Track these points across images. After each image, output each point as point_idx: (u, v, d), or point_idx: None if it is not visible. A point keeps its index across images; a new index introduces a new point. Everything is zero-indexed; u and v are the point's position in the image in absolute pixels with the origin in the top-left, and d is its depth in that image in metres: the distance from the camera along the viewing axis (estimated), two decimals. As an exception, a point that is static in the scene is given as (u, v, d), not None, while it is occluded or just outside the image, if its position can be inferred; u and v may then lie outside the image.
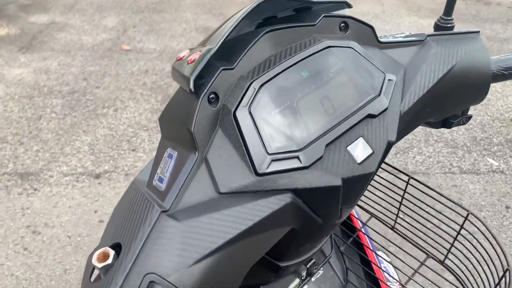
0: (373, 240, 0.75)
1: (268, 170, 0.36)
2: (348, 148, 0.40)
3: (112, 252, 0.32)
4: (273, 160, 0.36)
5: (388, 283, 0.68)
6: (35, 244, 1.60)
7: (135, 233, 0.32)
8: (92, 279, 0.33)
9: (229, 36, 0.38)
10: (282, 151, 0.37)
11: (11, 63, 2.61)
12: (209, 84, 0.37)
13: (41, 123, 2.16)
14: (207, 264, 0.32)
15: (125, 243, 0.32)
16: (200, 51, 0.37)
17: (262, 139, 0.37)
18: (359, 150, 0.40)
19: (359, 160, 0.40)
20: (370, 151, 0.40)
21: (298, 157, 0.37)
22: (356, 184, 0.40)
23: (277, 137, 0.37)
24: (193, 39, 3.02)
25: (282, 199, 0.36)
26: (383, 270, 0.70)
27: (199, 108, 0.36)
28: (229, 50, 0.40)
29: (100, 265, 0.31)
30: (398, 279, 0.71)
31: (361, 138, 0.41)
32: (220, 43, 0.37)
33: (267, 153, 0.36)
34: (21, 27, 3.03)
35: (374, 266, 0.69)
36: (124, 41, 2.92)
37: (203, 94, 0.36)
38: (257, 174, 0.36)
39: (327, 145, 0.39)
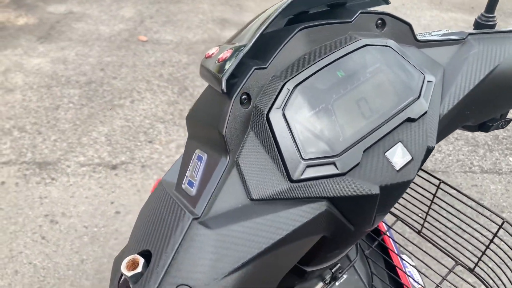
0: (398, 244, 0.73)
1: (303, 177, 0.34)
2: (386, 154, 0.38)
3: (141, 260, 0.30)
4: (308, 166, 0.35)
5: (413, 289, 0.66)
6: (53, 233, 1.61)
7: (166, 240, 0.31)
8: (119, 287, 0.32)
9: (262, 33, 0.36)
10: (318, 156, 0.35)
11: (30, 53, 2.63)
12: (242, 84, 0.35)
13: (58, 113, 2.18)
14: (240, 276, 0.31)
15: (155, 251, 0.31)
16: (231, 48, 0.36)
17: (296, 143, 0.35)
18: (398, 156, 0.38)
19: (397, 167, 0.38)
20: (409, 157, 0.38)
21: (334, 163, 0.35)
22: (394, 192, 0.39)
23: (312, 141, 0.35)
24: (209, 31, 3.00)
25: (316, 208, 0.35)
26: (408, 275, 0.68)
27: (231, 110, 0.35)
28: (261, 48, 0.38)
29: (129, 273, 0.30)
30: (423, 284, 0.69)
31: (399, 143, 0.39)
32: (254, 40, 0.35)
33: (302, 158, 0.35)
34: (40, 16, 3.04)
35: (399, 270, 0.68)
36: (141, 32, 2.92)
37: (235, 94, 0.35)
38: (291, 180, 0.34)
39: (364, 151, 0.37)
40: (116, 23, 3.01)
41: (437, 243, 0.65)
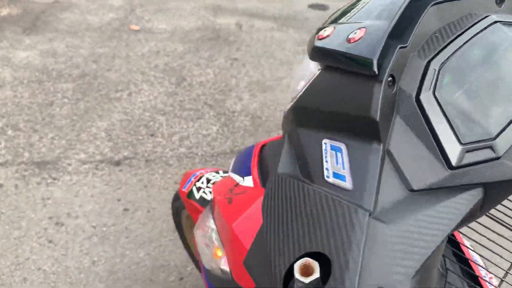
0: (461, 233, 0.69)
1: (462, 163, 0.32)
2: None
3: (316, 264, 0.28)
4: (467, 151, 0.32)
5: (485, 279, 0.63)
6: (60, 236, 1.53)
7: (344, 241, 0.28)
8: None
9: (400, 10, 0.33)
10: (475, 140, 0.33)
11: (16, 45, 2.50)
12: (389, 65, 0.31)
13: (53, 109, 2.08)
14: (422, 273, 0.29)
15: (335, 253, 0.28)
16: (364, 27, 0.33)
17: (452, 127, 0.32)
18: None
19: None
20: None
21: (491, 147, 0.33)
22: None
23: (467, 124, 0.33)
24: (203, 18, 2.91)
25: (476, 195, 0.32)
26: (480, 266, 0.64)
27: (383, 94, 0.31)
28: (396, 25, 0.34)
29: (307, 279, 0.27)
30: (492, 274, 0.65)
31: None
32: (396, 18, 0.32)
33: (460, 143, 0.32)
34: (23, 6, 2.89)
35: (471, 263, 0.64)
36: (132, 21, 2.81)
37: (385, 76, 0.31)
38: (450, 167, 0.32)
39: None
40: (105, 12, 2.89)
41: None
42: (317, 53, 0.35)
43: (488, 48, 0.36)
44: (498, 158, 0.33)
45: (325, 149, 0.34)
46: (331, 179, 0.32)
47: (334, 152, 0.33)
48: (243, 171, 0.60)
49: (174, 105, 2.18)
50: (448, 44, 0.35)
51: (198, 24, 2.84)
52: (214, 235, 0.56)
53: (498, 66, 0.35)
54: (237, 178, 0.61)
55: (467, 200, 0.32)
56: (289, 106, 0.40)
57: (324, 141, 0.34)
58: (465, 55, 0.35)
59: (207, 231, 0.60)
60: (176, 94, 2.26)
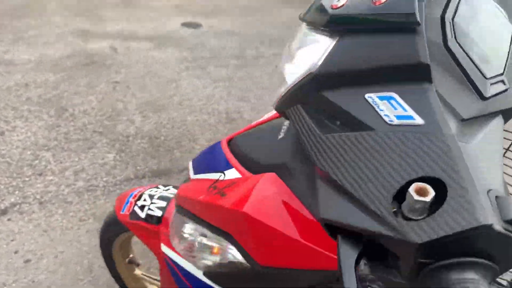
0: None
1: (489, 94, 0.38)
2: None
3: (428, 186, 0.31)
4: (491, 84, 0.38)
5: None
6: None
7: (449, 162, 0.32)
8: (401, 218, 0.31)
9: None
10: (494, 75, 0.39)
11: None
12: (424, 18, 0.37)
13: None
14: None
15: (445, 174, 0.31)
16: None
17: (476, 66, 0.38)
18: None
19: None
20: None
21: (502, 81, 0.39)
22: None
23: (483, 63, 0.39)
24: (72, 44, 2.71)
25: (501, 120, 0.39)
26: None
27: (426, 39, 0.36)
28: None
29: (427, 198, 0.30)
30: None
31: None
32: None
33: (486, 78, 0.38)
34: None
35: None
36: (-14, 54, 2.46)
37: (423, 25, 0.36)
38: (483, 98, 0.38)
39: None
40: (-51, 47, 2.48)
41: None
42: (337, 21, 0.38)
43: (472, 5, 0.43)
44: (507, 89, 0.40)
45: (373, 102, 0.36)
46: (396, 122, 0.35)
47: (385, 101, 0.36)
48: (221, 166, 0.58)
49: (58, 138, 1.98)
50: (448, 2, 0.41)
51: (68, 51, 2.63)
52: (207, 233, 0.53)
53: (483, 17, 0.43)
54: (213, 175, 0.59)
55: (498, 124, 0.39)
56: (297, 81, 0.42)
57: (367, 95, 0.37)
58: (463, 10, 0.41)
59: (189, 234, 0.56)
60: (58, 126, 2.05)
